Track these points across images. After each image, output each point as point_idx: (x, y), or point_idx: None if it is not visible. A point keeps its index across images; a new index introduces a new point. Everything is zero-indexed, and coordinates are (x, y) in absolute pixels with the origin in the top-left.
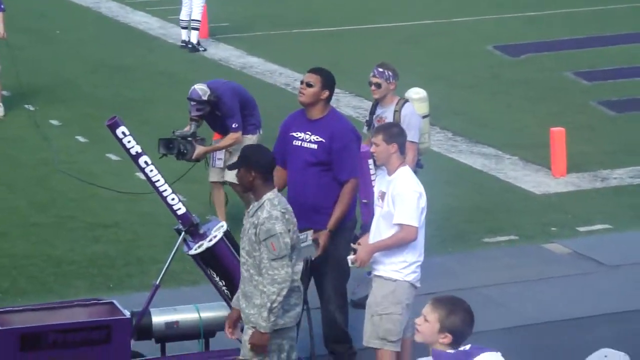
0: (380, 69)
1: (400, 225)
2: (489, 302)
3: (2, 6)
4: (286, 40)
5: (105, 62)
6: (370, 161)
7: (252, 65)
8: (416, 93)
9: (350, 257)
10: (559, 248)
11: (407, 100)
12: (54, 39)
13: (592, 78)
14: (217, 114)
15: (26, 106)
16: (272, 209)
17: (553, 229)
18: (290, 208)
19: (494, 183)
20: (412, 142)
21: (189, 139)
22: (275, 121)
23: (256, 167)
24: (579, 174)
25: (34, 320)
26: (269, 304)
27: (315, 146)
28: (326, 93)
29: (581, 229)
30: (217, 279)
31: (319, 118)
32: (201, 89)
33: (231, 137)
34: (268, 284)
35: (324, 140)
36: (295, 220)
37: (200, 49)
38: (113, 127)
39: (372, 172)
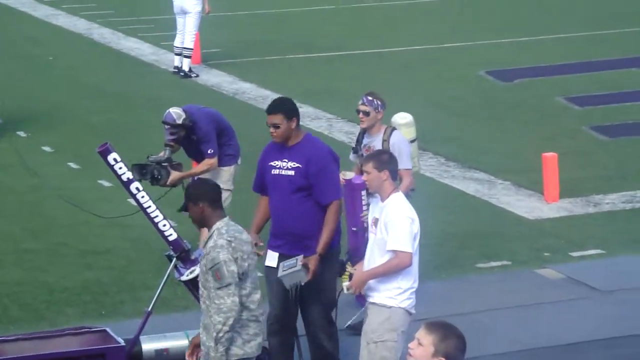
0: (370, 98)
1: (394, 251)
2: (482, 327)
3: None
4: (279, 66)
5: (98, 88)
6: (364, 192)
7: (244, 91)
8: (402, 118)
9: (345, 284)
10: (552, 273)
11: (394, 128)
12: (46, 66)
13: (584, 103)
14: (192, 138)
15: (18, 133)
16: (218, 237)
17: (546, 254)
18: (241, 236)
19: (487, 208)
20: (407, 169)
21: (164, 164)
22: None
23: (203, 199)
24: (572, 199)
25: (28, 349)
26: (214, 334)
27: (292, 172)
28: (294, 122)
29: (574, 254)
30: None
31: (293, 144)
32: (176, 112)
33: (206, 162)
34: (214, 314)
35: (300, 166)
36: (247, 248)
37: (193, 75)
38: (104, 153)
39: (364, 202)
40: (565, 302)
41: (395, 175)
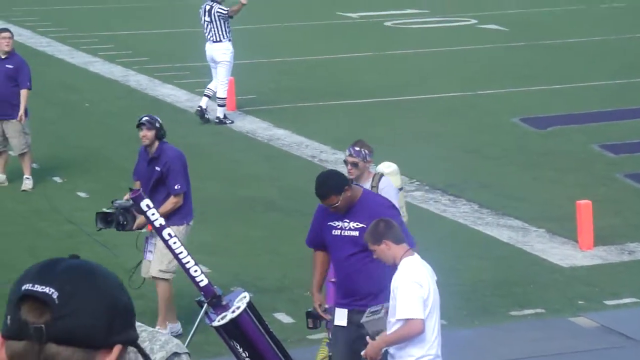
0: (357, 148)
1: (404, 320)
2: None
3: (28, 84)
4: (313, 113)
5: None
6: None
7: (279, 137)
8: (387, 167)
9: (362, 353)
10: (587, 322)
11: (382, 175)
12: (83, 112)
13: (619, 151)
14: (156, 169)
15: (54, 178)
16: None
17: (580, 302)
18: None
19: (521, 256)
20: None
21: (130, 208)
22: (300, 193)
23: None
24: (606, 247)
25: None
26: None
27: (356, 233)
28: (348, 191)
29: (609, 302)
30: (241, 350)
31: (353, 205)
32: (151, 116)
33: (172, 201)
34: None
35: (364, 226)
36: None
37: (228, 122)
38: (137, 199)
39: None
40: (599, 351)
41: (397, 238)
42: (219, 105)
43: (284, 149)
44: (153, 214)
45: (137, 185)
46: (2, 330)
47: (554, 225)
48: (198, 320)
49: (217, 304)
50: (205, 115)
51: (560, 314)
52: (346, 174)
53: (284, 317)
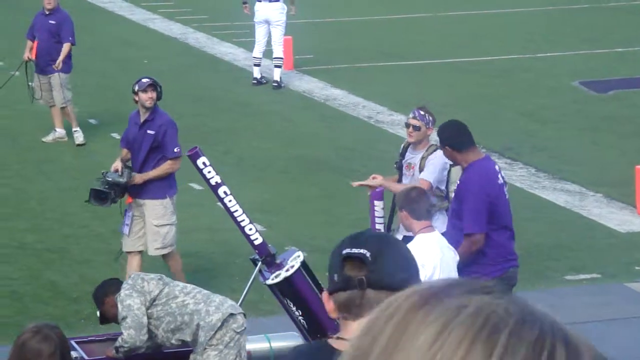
0: (422, 112)
1: None
2: None
3: (70, 38)
4: (370, 74)
5: (191, 91)
6: (381, 203)
7: (335, 98)
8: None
9: None
10: None
11: (438, 147)
12: (142, 69)
13: None
14: (149, 133)
15: (112, 135)
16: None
17: (637, 268)
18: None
19: (577, 220)
20: (425, 180)
21: (121, 184)
22: (355, 153)
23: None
24: None
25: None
26: None
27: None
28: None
29: None
30: (294, 308)
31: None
32: (153, 78)
33: (168, 164)
34: None
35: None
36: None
37: (283, 84)
38: (194, 157)
39: (377, 214)
40: None
41: (416, 213)
42: (276, 66)
43: (341, 109)
44: (209, 172)
45: (124, 153)
46: (328, 288)
47: (612, 190)
48: (252, 278)
49: (271, 263)
50: (276, 83)
51: (616, 279)
52: (406, 136)
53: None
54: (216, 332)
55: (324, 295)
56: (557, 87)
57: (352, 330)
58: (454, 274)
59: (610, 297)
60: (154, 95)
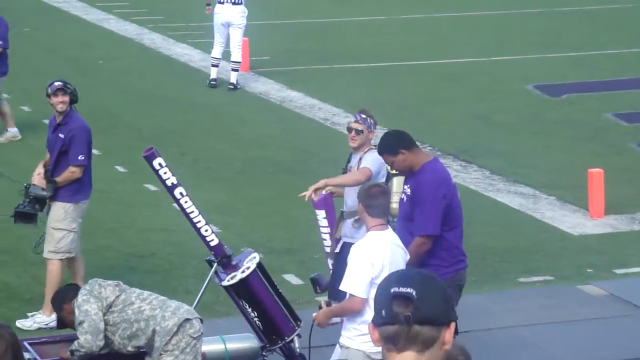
0: (363, 115)
1: (346, 293)
2: (522, 342)
3: (1, 42)
4: (327, 75)
5: (147, 92)
6: (321, 212)
7: (291, 99)
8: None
9: (313, 315)
10: (595, 290)
11: (371, 148)
12: (96, 69)
13: (633, 120)
14: (60, 137)
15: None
16: None
17: (589, 270)
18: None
19: (531, 223)
20: (365, 167)
21: (44, 199)
22: (311, 155)
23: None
24: (617, 215)
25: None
26: None
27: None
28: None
29: (618, 271)
30: (250, 310)
31: (414, 170)
32: (65, 82)
33: (70, 170)
34: None
35: (407, 195)
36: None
37: (239, 87)
38: (150, 158)
39: (319, 223)
40: (607, 320)
41: (375, 212)
42: (233, 70)
43: (297, 111)
44: (165, 173)
45: (47, 156)
46: (374, 320)
47: (565, 193)
48: (207, 279)
49: (227, 264)
50: (232, 85)
51: (569, 282)
52: (349, 141)
53: (292, 279)
54: (172, 337)
55: (370, 326)
56: (511, 90)
57: None
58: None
59: (563, 300)
60: (65, 99)
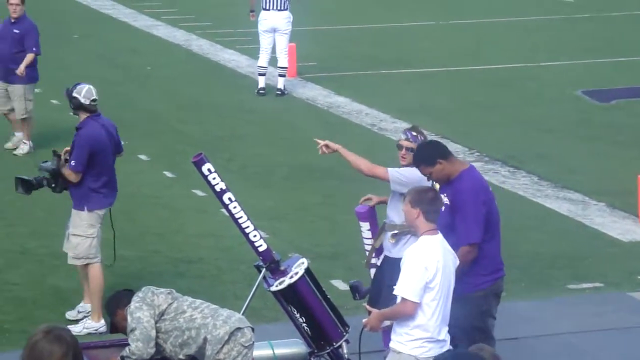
0: (414, 133)
1: (400, 297)
2: (571, 349)
3: (34, 48)
4: (374, 81)
5: (194, 98)
6: (366, 224)
7: (339, 105)
8: None
9: (363, 321)
10: None
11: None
12: (145, 75)
13: None
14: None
15: None
16: None
17: (639, 277)
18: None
19: (580, 229)
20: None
21: (55, 170)
22: None
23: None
24: None
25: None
26: None
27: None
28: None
29: None
30: (298, 315)
31: (452, 179)
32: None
33: (67, 173)
34: None
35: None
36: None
37: (287, 92)
38: (199, 163)
39: (363, 235)
40: None
41: (431, 217)
42: (280, 76)
43: (344, 117)
44: (214, 179)
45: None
46: None
47: (614, 199)
48: (256, 285)
49: (276, 269)
50: (279, 91)
51: (618, 288)
52: (399, 159)
53: (340, 284)
54: (223, 345)
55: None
56: (559, 96)
57: None
58: (452, 278)
59: (612, 306)
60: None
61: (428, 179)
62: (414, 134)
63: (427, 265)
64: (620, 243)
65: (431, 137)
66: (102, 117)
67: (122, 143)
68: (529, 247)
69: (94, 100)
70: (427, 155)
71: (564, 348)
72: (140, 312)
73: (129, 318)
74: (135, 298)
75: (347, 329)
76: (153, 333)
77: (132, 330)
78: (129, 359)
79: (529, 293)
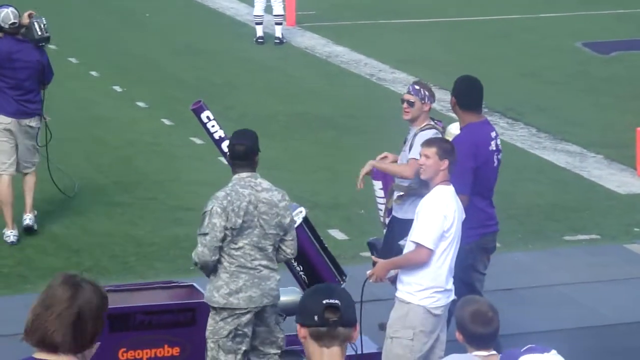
0: (417, 87)
1: (415, 243)
2: (567, 300)
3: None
4: (373, 31)
5: (192, 46)
6: (378, 182)
7: (337, 55)
8: (457, 129)
9: (368, 272)
10: None
11: (432, 127)
12: (143, 22)
13: None
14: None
15: (114, 87)
16: (222, 189)
17: (636, 229)
18: (245, 192)
19: (577, 181)
20: (414, 158)
21: None
22: (356, 111)
23: (231, 154)
24: None
25: (118, 301)
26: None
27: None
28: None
29: None
30: (295, 264)
31: None
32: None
33: None
34: (193, 252)
35: None
36: (247, 205)
37: (285, 40)
38: (198, 111)
39: (376, 194)
40: None
41: (452, 168)
42: (277, 24)
43: (342, 66)
44: (213, 126)
45: None
46: (303, 322)
47: (612, 152)
48: None
49: None
50: (278, 40)
51: (615, 241)
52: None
53: (337, 234)
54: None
55: (298, 326)
56: (559, 48)
57: (318, 354)
58: (460, 228)
59: (609, 258)
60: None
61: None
62: (417, 87)
63: (446, 214)
64: (618, 195)
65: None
66: (27, 43)
67: (52, 76)
68: (526, 199)
69: (12, 24)
70: (455, 85)
71: (559, 299)
72: (217, 218)
73: (206, 219)
74: (218, 201)
75: (344, 277)
76: (219, 244)
77: (204, 234)
78: (196, 262)
79: (525, 244)
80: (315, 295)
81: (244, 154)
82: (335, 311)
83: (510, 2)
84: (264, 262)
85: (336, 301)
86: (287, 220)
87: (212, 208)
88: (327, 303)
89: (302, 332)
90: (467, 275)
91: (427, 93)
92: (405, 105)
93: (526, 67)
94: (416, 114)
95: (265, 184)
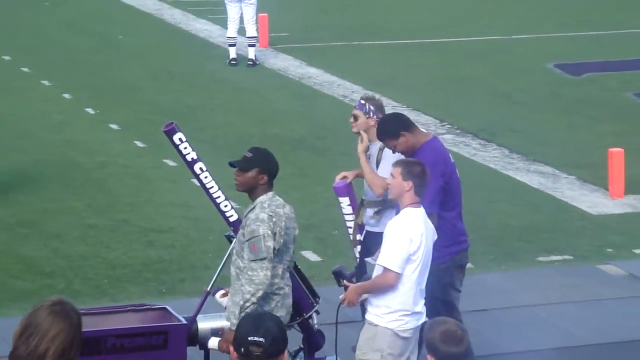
0: (362, 102)
1: (382, 267)
2: (540, 321)
3: None
4: (346, 52)
5: (166, 68)
6: (345, 199)
7: (310, 76)
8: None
9: (340, 297)
10: (614, 269)
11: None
12: (117, 44)
13: None
14: None
15: (86, 109)
16: (260, 211)
17: (609, 250)
18: (281, 212)
19: (550, 202)
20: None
21: None
22: (329, 132)
23: (269, 172)
24: (637, 195)
25: (90, 324)
26: (241, 302)
27: None
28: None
29: (637, 251)
30: None
31: (414, 151)
32: None
33: None
34: (245, 284)
35: None
36: (285, 224)
37: (258, 62)
38: (170, 133)
39: (344, 210)
40: (626, 299)
41: (419, 191)
42: (250, 46)
43: (316, 88)
44: (185, 148)
45: None
46: (234, 346)
47: (584, 173)
48: (227, 255)
49: None
50: (251, 62)
51: (588, 261)
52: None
53: (310, 255)
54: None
55: (231, 349)
56: (531, 69)
57: None
58: (431, 251)
59: (581, 279)
60: None
61: (393, 152)
62: (362, 102)
63: (412, 237)
64: (590, 216)
65: (402, 109)
66: None
67: None
68: (499, 220)
69: None
70: (390, 129)
71: (532, 320)
72: (271, 242)
73: (260, 243)
74: (265, 224)
75: (317, 299)
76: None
77: (262, 259)
78: (255, 295)
79: (499, 265)
80: (245, 326)
81: (275, 174)
82: (259, 346)
83: (484, 24)
84: (286, 279)
85: (260, 339)
86: (297, 232)
87: (264, 232)
88: (251, 340)
89: (234, 354)
90: (446, 294)
91: (372, 107)
92: (351, 119)
93: (499, 88)
94: (362, 127)
95: (279, 198)
